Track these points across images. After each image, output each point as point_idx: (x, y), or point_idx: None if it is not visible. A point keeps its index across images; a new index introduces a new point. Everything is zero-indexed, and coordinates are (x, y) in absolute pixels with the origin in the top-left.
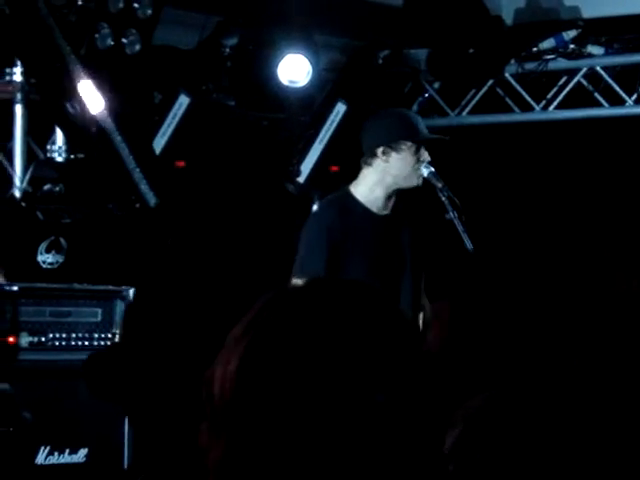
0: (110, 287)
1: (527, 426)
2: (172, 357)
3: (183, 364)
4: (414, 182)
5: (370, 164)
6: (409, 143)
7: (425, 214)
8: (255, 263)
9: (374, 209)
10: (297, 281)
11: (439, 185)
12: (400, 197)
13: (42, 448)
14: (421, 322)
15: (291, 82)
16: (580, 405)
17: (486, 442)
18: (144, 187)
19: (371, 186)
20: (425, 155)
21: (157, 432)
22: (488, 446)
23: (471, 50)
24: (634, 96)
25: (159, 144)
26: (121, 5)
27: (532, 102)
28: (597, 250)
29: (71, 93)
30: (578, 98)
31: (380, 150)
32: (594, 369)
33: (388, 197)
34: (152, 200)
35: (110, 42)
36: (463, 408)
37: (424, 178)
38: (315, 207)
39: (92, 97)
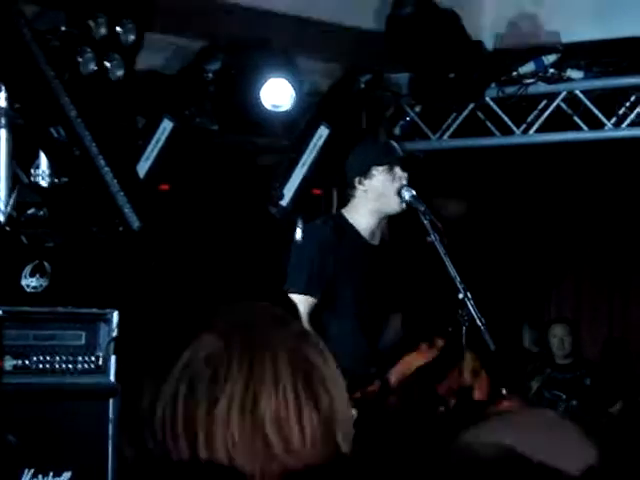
0: (94, 310)
1: None
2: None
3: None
4: (395, 205)
5: (354, 195)
6: (379, 168)
7: (407, 240)
8: (238, 286)
9: (366, 237)
10: (298, 297)
11: (421, 208)
12: (385, 231)
13: (26, 471)
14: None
15: (274, 106)
16: None
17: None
18: (128, 211)
19: (361, 214)
20: (399, 174)
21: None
22: None
23: (452, 74)
24: (613, 119)
25: (143, 168)
26: (104, 31)
27: (512, 126)
28: (578, 269)
29: None
30: (558, 122)
31: (356, 181)
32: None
33: (377, 225)
34: (136, 223)
35: (93, 67)
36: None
37: (406, 201)
38: (302, 226)
39: None
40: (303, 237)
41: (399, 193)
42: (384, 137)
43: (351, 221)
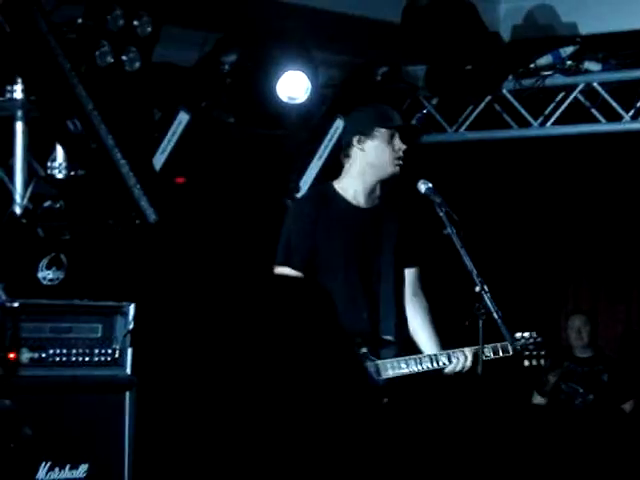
0: (110, 303)
1: None
2: (173, 372)
3: (184, 378)
4: (390, 170)
5: (349, 155)
6: (382, 130)
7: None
8: (254, 278)
9: (354, 202)
10: (279, 269)
11: (437, 200)
12: (390, 192)
13: (43, 464)
14: (417, 313)
15: (290, 99)
16: None
17: None
18: (144, 203)
19: (351, 179)
20: (399, 143)
21: (158, 446)
22: None
23: (469, 66)
24: (631, 112)
25: (159, 161)
26: (121, 23)
27: (530, 118)
28: (596, 264)
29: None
30: (575, 114)
31: (356, 139)
32: None
33: (371, 190)
34: (152, 216)
35: (110, 59)
36: None
37: (422, 194)
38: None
39: None
40: (288, 215)
41: (394, 159)
42: None
43: (339, 190)
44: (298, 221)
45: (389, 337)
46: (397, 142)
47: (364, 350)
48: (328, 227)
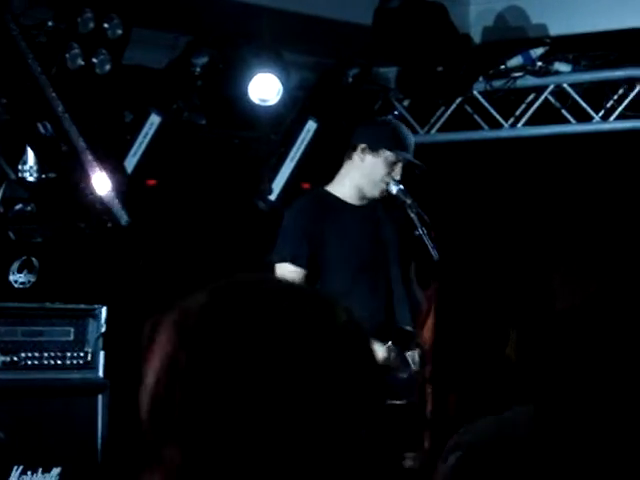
0: (82, 306)
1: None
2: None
3: None
4: (376, 192)
5: (350, 157)
6: (388, 153)
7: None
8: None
9: (349, 200)
10: (279, 265)
11: (408, 202)
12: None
13: (15, 467)
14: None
15: (262, 100)
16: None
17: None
18: (116, 206)
19: (345, 181)
20: (397, 173)
21: (130, 449)
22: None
23: (440, 68)
24: (601, 112)
25: (130, 163)
26: (91, 25)
27: (500, 119)
28: (566, 264)
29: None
30: (546, 115)
31: (361, 146)
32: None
33: (361, 197)
34: (124, 219)
35: (80, 62)
36: (461, 434)
37: (393, 195)
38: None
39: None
40: (285, 215)
41: (386, 185)
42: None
43: (332, 191)
44: (299, 218)
45: (408, 327)
46: (396, 171)
47: (389, 344)
48: (331, 224)
